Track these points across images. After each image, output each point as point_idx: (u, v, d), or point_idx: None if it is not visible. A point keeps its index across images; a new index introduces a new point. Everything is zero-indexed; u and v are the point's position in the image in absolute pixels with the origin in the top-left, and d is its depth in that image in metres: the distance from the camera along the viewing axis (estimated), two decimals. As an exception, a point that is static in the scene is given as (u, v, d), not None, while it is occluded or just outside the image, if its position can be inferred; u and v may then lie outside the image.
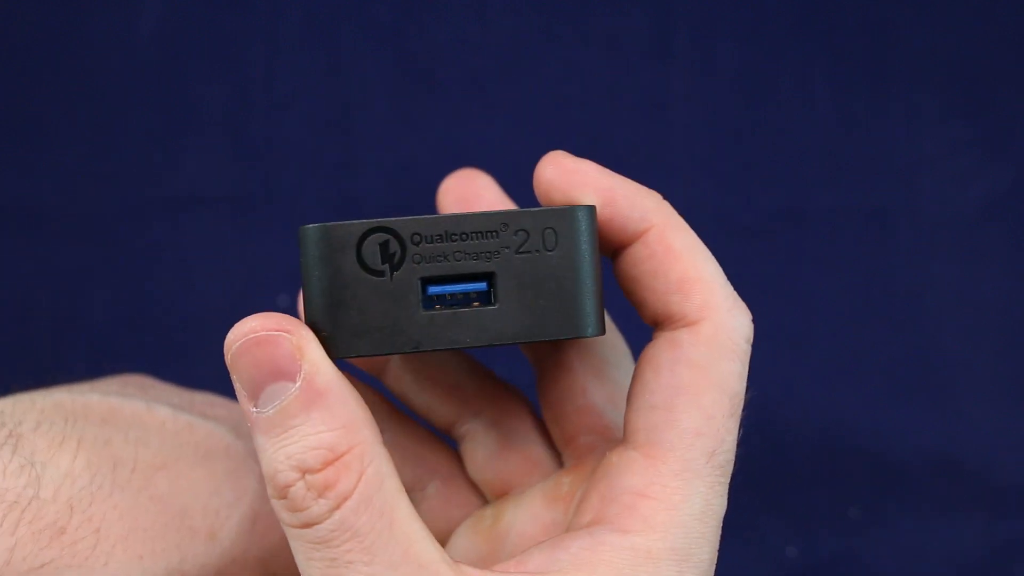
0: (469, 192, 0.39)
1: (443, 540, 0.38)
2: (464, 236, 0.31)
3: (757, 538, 0.60)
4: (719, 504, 0.32)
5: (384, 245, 0.31)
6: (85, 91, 0.61)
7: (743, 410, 0.33)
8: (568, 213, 0.31)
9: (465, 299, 0.31)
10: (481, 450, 0.38)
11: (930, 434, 0.60)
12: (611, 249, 0.34)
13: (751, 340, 0.34)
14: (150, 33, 0.61)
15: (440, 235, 0.31)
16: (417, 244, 0.31)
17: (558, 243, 0.31)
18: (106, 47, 0.61)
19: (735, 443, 0.33)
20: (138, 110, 0.61)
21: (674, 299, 0.33)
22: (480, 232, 0.31)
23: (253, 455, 0.36)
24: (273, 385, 0.30)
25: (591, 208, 0.32)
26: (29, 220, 0.60)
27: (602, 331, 0.32)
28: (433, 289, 0.31)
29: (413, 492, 0.38)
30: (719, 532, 0.32)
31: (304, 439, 0.29)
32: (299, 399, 0.30)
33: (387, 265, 0.31)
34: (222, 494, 0.35)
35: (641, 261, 0.33)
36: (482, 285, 0.31)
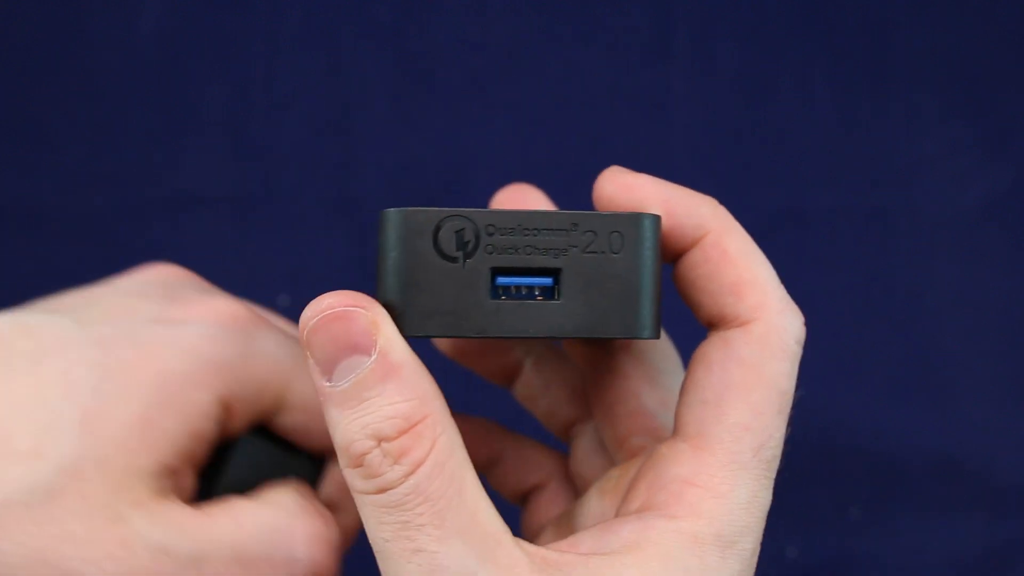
0: (520, 205, 0.41)
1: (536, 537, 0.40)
2: (536, 232, 0.33)
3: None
4: (764, 497, 0.33)
5: (460, 233, 0.32)
6: (85, 91, 0.61)
7: (792, 409, 0.34)
8: (635, 220, 0.33)
9: (530, 292, 0.33)
10: (591, 447, 0.40)
11: (930, 434, 0.60)
12: (670, 255, 0.35)
13: (802, 341, 0.35)
14: (150, 33, 0.61)
15: (513, 228, 0.32)
16: (491, 235, 0.32)
17: (624, 247, 0.33)
18: (106, 47, 0.61)
19: (782, 440, 0.34)
20: (138, 110, 0.61)
21: (728, 301, 0.34)
22: (551, 229, 0.33)
23: (93, 341, 0.35)
24: (348, 359, 0.31)
25: (656, 218, 0.34)
26: (29, 220, 0.60)
27: (657, 335, 0.33)
28: (502, 280, 0.32)
29: (534, 491, 0.41)
30: (763, 524, 0.33)
31: (380, 409, 0.31)
32: (375, 371, 0.31)
33: (461, 252, 0.32)
34: (49, 403, 0.34)
35: (698, 265, 0.35)
36: (548, 280, 0.33)
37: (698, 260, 0.35)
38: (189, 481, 0.35)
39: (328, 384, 0.31)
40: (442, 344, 0.42)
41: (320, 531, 0.36)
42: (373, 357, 0.31)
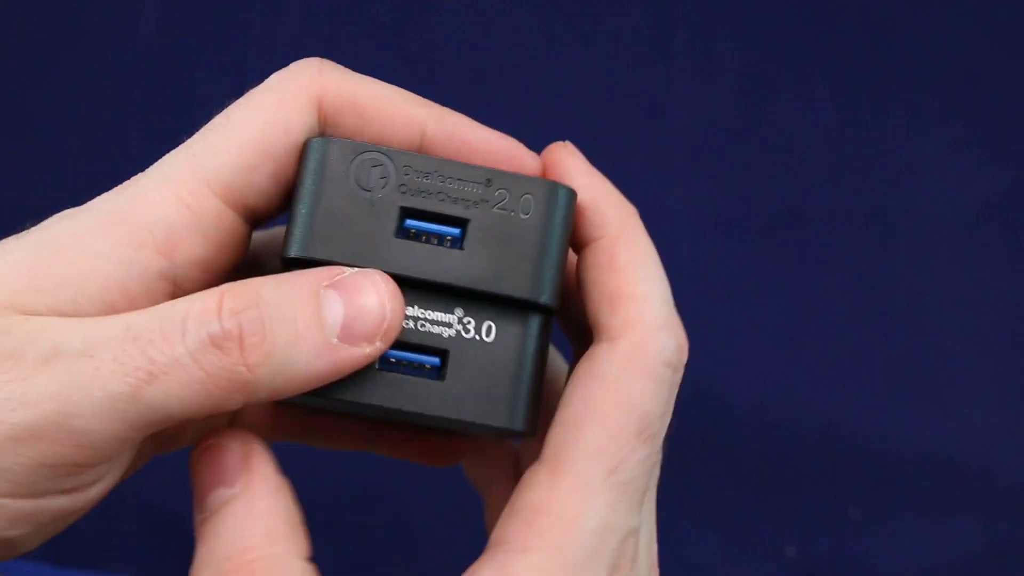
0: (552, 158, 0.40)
1: None
2: (451, 180, 0.33)
3: (757, 538, 0.60)
4: (622, 523, 0.32)
5: (378, 168, 0.33)
6: (85, 91, 0.61)
7: (666, 432, 0.33)
8: (549, 187, 0.33)
9: (439, 240, 0.33)
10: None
11: (930, 434, 0.60)
12: (575, 249, 0.35)
13: (675, 365, 0.33)
14: (150, 33, 0.61)
15: (429, 173, 0.33)
16: (406, 175, 0.33)
17: (533, 210, 0.33)
18: (106, 47, 0.61)
19: (643, 463, 0.32)
20: (138, 110, 0.61)
21: (603, 310, 0.33)
22: (466, 180, 0.33)
23: None
24: (216, 491, 0.32)
25: (570, 191, 0.34)
26: (29, 220, 0.60)
27: (555, 304, 0.33)
28: (410, 222, 0.33)
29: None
30: (624, 551, 0.32)
31: (221, 540, 0.31)
32: (232, 503, 0.31)
33: (375, 186, 0.33)
34: None
35: (587, 268, 0.34)
36: (455, 230, 0.33)
37: (588, 262, 0.34)
38: None
39: (199, 515, 0.32)
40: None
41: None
42: (234, 490, 0.31)
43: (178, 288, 0.32)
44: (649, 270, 0.34)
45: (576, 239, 0.35)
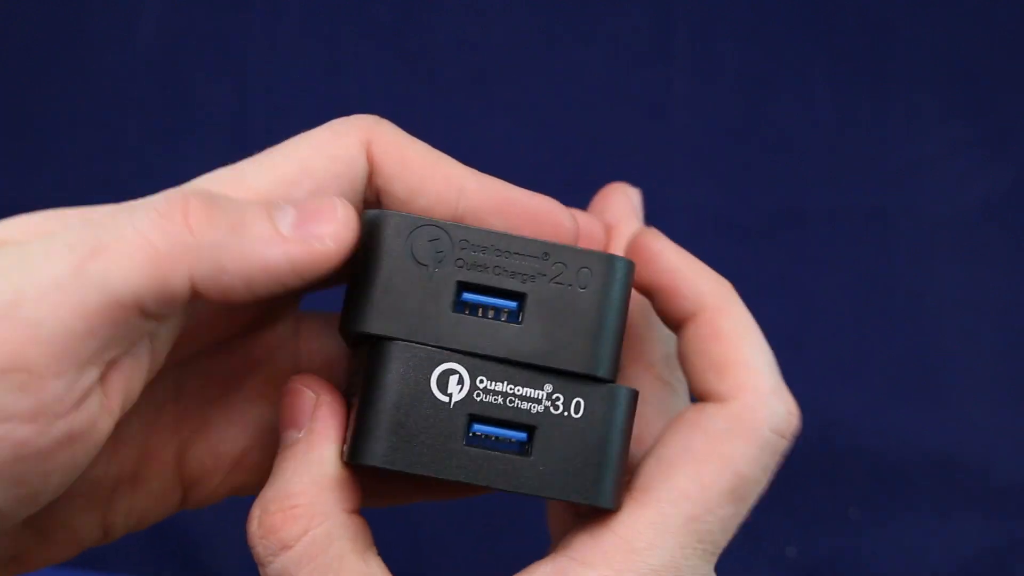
0: (601, 205, 0.42)
1: None
2: (507, 254, 0.33)
3: (757, 538, 0.60)
4: (687, 569, 0.33)
5: (434, 242, 0.33)
6: (85, 91, 0.61)
7: (755, 498, 0.34)
8: (606, 260, 0.33)
9: (495, 314, 0.33)
10: None
11: (930, 434, 0.60)
12: (673, 327, 0.36)
13: (784, 432, 0.35)
14: (150, 33, 0.61)
15: (486, 247, 0.33)
16: (463, 250, 0.33)
17: (591, 284, 0.33)
18: (106, 47, 0.61)
19: (726, 521, 0.33)
20: (138, 110, 0.61)
21: (710, 379, 0.35)
22: (522, 255, 0.33)
23: None
24: (288, 431, 0.34)
25: (629, 263, 0.34)
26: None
27: (613, 376, 0.33)
28: (467, 296, 0.33)
29: None
30: None
31: (278, 481, 0.33)
32: (294, 446, 0.33)
33: (431, 260, 0.33)
34: None
35: (691, 341, 0.35)
36: (512, 304, 0.33)
37: (691, 335, 0.35)
38: None
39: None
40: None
41: None
42: (299, 434, 0.33)
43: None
44: (754, 339, 0.35)
45: (672, 318, 0.36)
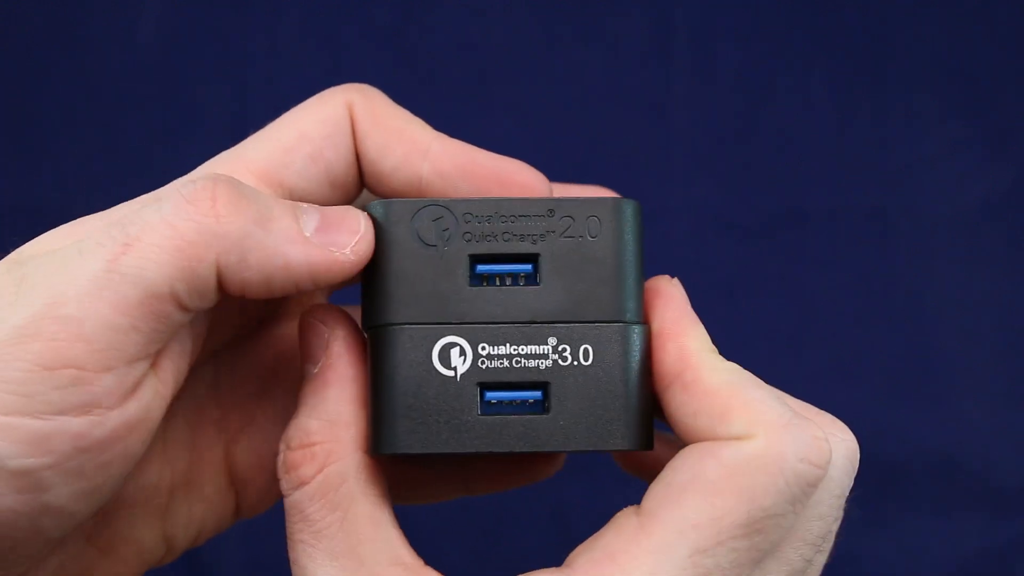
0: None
1: None
2: (513, 218, 0.33)
3: (757, 538, 0.60)
4: None
5: (438, 221, 0.33)
6: (85, 91, 0.61)
7: (779, 536, 0.32)
8: (612, 204, 0.33)
9: (513, 280, 0.33)
10: None
11: (930, 434, 0.60)
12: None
13: (815, 461, 0.32)
14: (150, 33, 0.61)
15: (491, 216, 0.33)
16: (468, 223, 0.33)
17: (601, 231, 0.33)
18: (106, 47, 0.61)
19: (738, 555, 0.31)
20: (138, 110, 0.61)
21: (716, 426, 0.32)
22: (528, 216, 0.33)
23: None
24: (306, 364, 0.34)
25: (635, 203, 0.33)
26: (29, 220, 0.60)
27: (639, 318, 0.33)
28: (481, 268, 0.33)
29: None
30: None
31: (299, 417, 0.33)
32: (311, 382, 0.33)
33: (439, 240, 0.33)
34: None
35: (680, 403, 0.33)
36: (527, 267, 0.33)
37: (679, 397, 0.33)
38: None
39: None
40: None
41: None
42: (315, 369, 0.33)
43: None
44: (748, 379, 0.34)
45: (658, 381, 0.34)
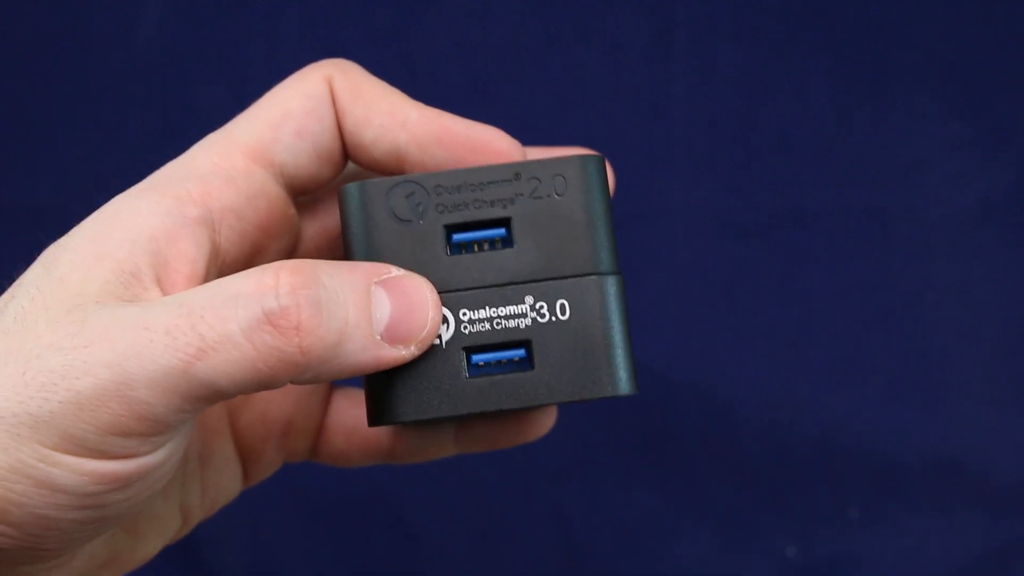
0: None
1: None
2: (482, 186, 0.34)
3: (757, 538, 0.60)
4: None
5: (411, 197, 0.34)
6: (85, 91, 0.61)
7: None
8: (576, 161, 0.34)
9: (490, 245, 0.34)
10: None
11: (930, 434, 0.60)
12: None
13: None
14: (150, 33, 0.61)
15: (460, 186, 0.34)
16: (440, 195, 0.34)
17: (567, 189, 0.34)
18: (106, 47, 0.61)
19: None
20: (138, 110, 0.61)
21: None
22: (496, 182, 0.34)
23: None
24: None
25: (599, 157, 0.34)
26: (29, 220, 0.60)
27: (615, 268, 0.34)
28: (457, 236, 0.34)
29: None
30: None
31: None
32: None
33: (414, 214, 0.34)
34: None
35: None
36: (501, 230, 0.34)
37: None
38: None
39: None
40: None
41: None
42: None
43: (216, 234, 0.34)
44: None
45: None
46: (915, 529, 0.59)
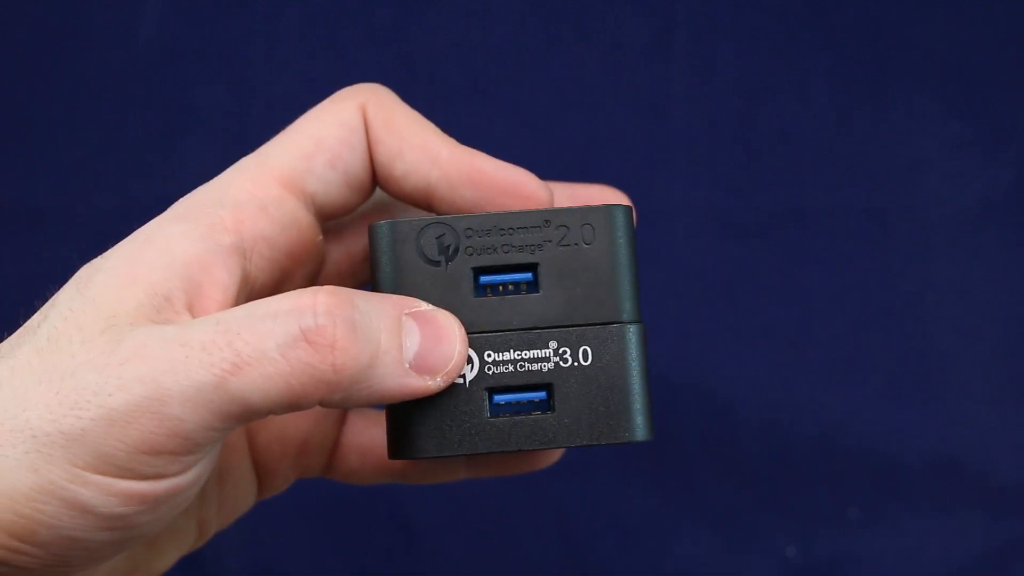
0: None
1: None
2: (511, 231, 0.35)
3: (757, 538, 0.60)
4: None
5: (440, 239, 0.35)
6: (85, 91, 0.61)
7: None
8: (604, 211, 0.35)
9: (515, 288, 0.35)
10: None
11: (930, 434, 0.60)
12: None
13: None
14: (150, 33, 0.61)
15: (489, 229, 0.35)
16: (469, 238, 0.35)
17: (596, 237, 0.35)
18: (106, 47, 0.61)
19: None
20: (138, 110, 0.61)
21: None
22: (525, 228, 0.35)
23: None
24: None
25: (627, 208, 0.35)
26: (29, 220, 0.60)
27: (637, 317, 0.35)
28: (484, 278, 0.35)
29: None
30: None
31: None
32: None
33: (443, 256, 0.35)
34: None
35: None
36: (528, 275, 0.35)
37: None
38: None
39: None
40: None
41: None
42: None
43: (248, 261, 0.35)
44: None
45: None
46: (915, 529, 0.59)
